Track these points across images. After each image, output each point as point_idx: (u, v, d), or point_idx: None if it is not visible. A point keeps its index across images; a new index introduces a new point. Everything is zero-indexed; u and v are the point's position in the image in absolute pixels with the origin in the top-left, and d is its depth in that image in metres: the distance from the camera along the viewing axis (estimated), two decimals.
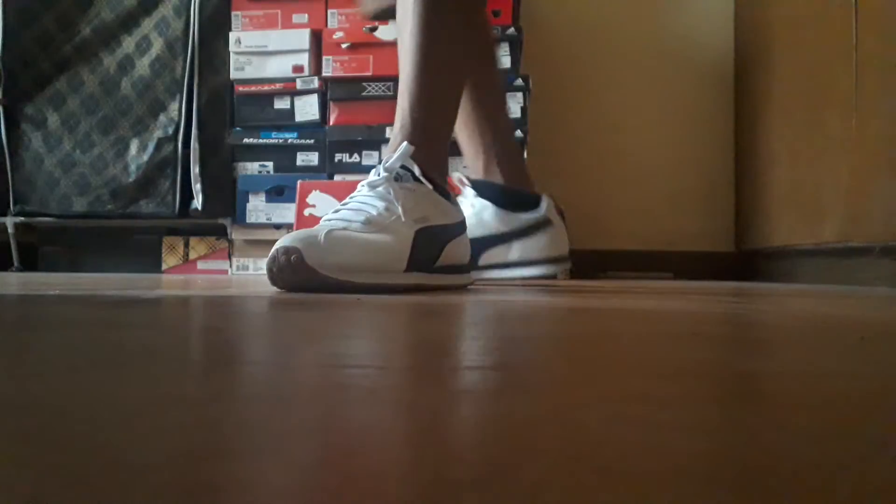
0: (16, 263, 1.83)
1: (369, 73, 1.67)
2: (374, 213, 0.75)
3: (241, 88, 1.73)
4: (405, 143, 0.81)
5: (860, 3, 1.18)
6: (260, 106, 1.74)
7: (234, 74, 1.73)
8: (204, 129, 1.74)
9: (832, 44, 1.29)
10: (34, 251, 1.92)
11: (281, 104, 1.73)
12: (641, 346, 0.31)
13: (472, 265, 0.92)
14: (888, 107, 1.12)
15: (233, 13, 1.75)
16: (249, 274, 1.72)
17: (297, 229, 1.00)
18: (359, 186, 0.80)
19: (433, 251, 0.79)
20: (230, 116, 1.76)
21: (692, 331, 0.38)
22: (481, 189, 1.01)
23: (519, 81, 1.61)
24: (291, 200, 1.65)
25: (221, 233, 1.77)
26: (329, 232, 0.71)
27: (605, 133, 1.95)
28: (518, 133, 1.56)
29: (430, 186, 0.80)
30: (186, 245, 1.81)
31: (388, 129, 1.60)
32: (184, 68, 1.75)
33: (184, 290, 0.80)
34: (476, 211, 1.00)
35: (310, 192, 1.59)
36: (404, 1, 0.86)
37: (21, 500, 0.10)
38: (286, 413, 0.17)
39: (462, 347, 0.30)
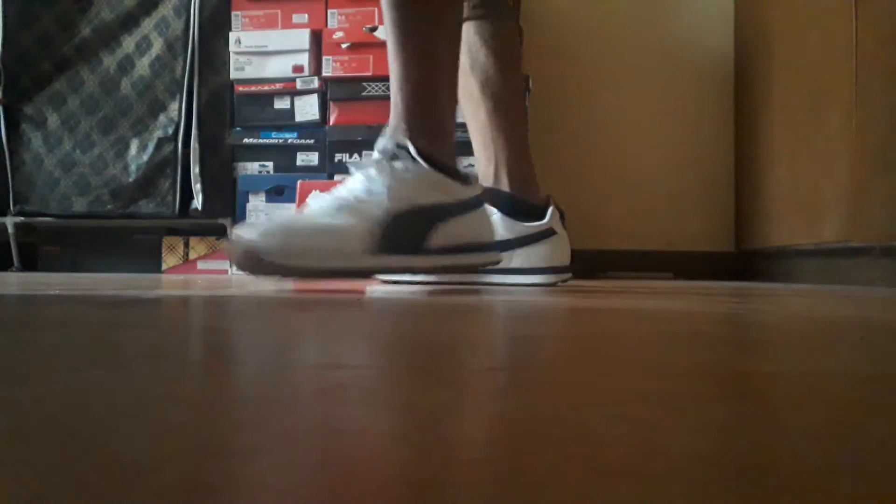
0: (16, 263, 1.83)
1: (369, 73, 1.67)
2: (351, 196, 0.75)
3: (241, 88, 1.73)
4: (396, 121, 0.80)
5: (860, 3, 1.18)
6: (260, 106, 1.74)
7: (234, 74, 1.73)
8: (204, 129, 1.74)
9: (832, 44, 1.29)
10: (34, 251, 1.92)
11: (281, 104, 1.73)
12: (641, 346, 0.31)
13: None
14: (888, 107, 1.12)
15: (233, 13, 1.75)
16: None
17: None
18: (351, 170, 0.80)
19: (418, 231, 0.77)
20: (230, 116, 1.76)
21: (692, 331, 0.38)
22: (488, 195, 1.03)
23: None
24: (291, 200, 1.65)
25: (221, 233, 1.77)
26: (285, 218, 0.73)
27: (606, 133, 1.95)
28: None
29: (427, 165, 0.78)
30: (186, 245, 1.81)
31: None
32: (184, 68, 1.75)
33: (183, 290, 0.80)
34: None
35: (310, 192, 1.59)
36: None
37: (21, 500, 0.10)
38: (286, 413, 0.17)
39: (462, 347, 0.30)
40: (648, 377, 0.23)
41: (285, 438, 0.14)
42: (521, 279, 1.01)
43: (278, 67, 1.72)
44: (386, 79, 1.66)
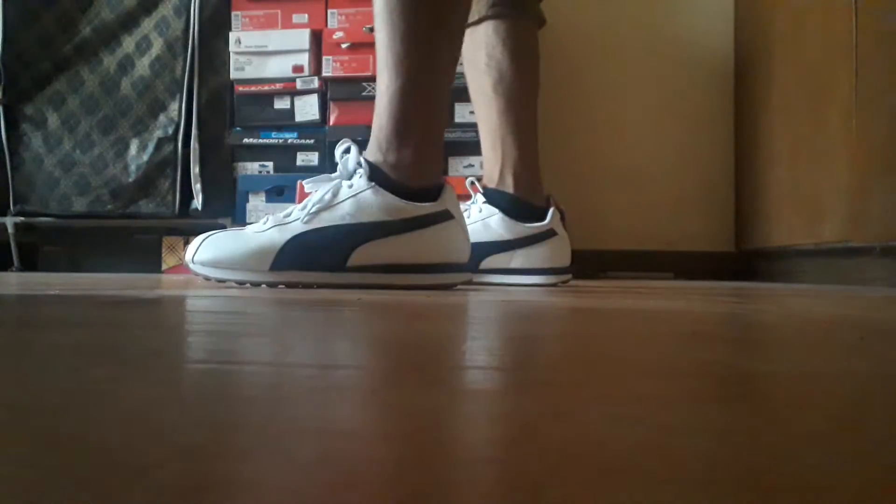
0: (16, 263, 1.83)
1: (369, 73, 1.67)
2: (289, 209, 0.84)
3: (241, 88, 1.73)
4: (351, 144, 0.84)
5: (860, 3, 1.18)
6: (260, 106, 1.74)
7: (234, 74, 1.73)
8: (204, 129, 1.74)
9: (832, 44, 1.29)
10: (34, 251, 1.91)
11: (281, 104, 1.73)
12: (642, 346, 0.31)
13: (472, 269, 0.92)
14: (888, 107, 1.12)
15: (233, 13, 1.75)
16: None
17: None
18: None
19: (341, 249, 0.81)
20: (230, 116, 1.76)
21: (692, 331, 0.38)
22: (491, 196, 1.04)
23: None
24: (291, 200, 1.65)
25: None
26: (224, 231, 0.83)
27: (605, 133, 1.95)
28: None
29: (371, 184, 0.81)
30: (186, 245, 1.81)
31: None
32: (184, 68, 1.75)
33: (183, 290, 0.80)
34: (483, 216, 1.02)
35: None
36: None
37: (21, 500, 0.10)
38: (285, 413, 0.17)
39: (462, 347, 0.30)
40: (648, 377, 0.23)
41: (284, 438, 0.14)
42: (522, 279, 1.02)
43: (278, 67, 1.72)
44: None
